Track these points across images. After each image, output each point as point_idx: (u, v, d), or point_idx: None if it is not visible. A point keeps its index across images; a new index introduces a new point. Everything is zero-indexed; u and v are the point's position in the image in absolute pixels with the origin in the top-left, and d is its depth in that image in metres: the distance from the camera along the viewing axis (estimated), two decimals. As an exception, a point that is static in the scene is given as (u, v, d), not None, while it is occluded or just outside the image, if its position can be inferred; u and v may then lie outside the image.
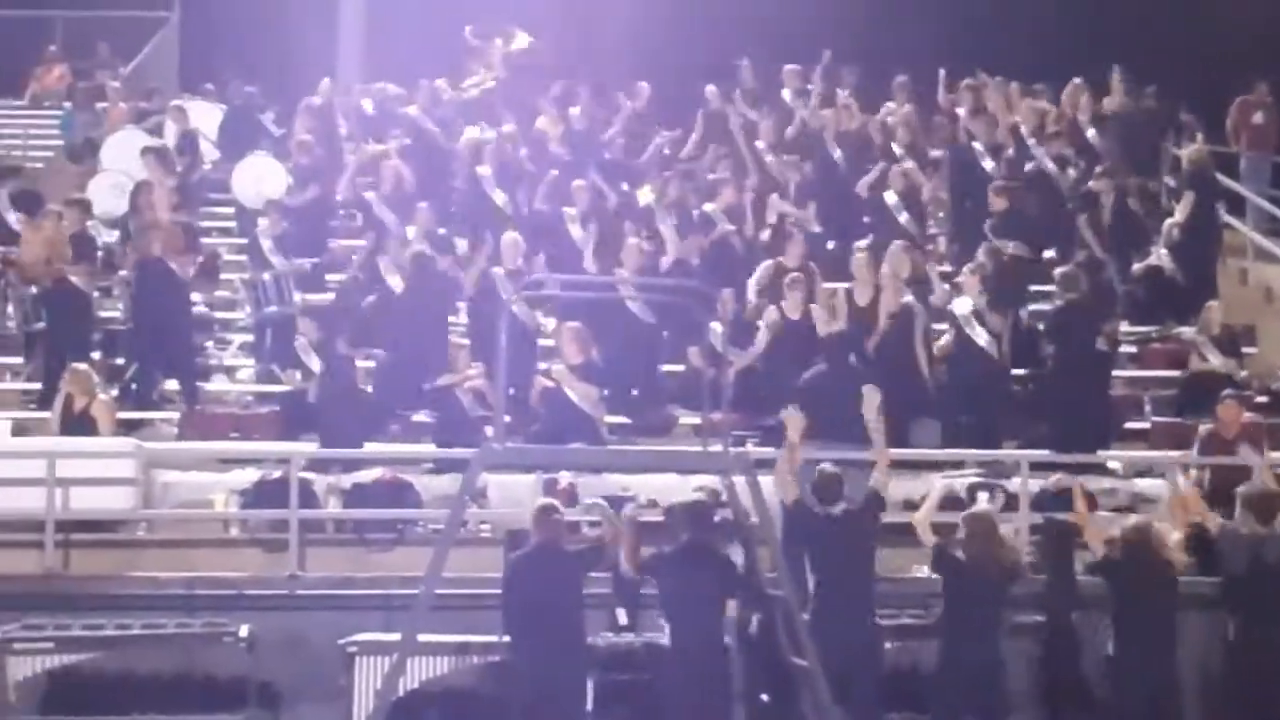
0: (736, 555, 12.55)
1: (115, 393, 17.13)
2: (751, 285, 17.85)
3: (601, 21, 25.66)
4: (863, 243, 18.17)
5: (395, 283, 17.67)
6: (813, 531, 12.83)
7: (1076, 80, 21.71)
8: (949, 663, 12.47)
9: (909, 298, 16.98)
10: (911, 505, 15.39)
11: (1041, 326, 17.36)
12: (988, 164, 20.19)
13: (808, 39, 23.48)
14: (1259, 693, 12.74)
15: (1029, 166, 20.31)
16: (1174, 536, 13.01)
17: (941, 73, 22.29)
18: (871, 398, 13.85)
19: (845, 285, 17.71)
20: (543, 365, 16.82)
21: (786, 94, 22.13)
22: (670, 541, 12.57)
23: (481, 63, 22.72)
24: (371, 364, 17.42)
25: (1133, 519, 13.26)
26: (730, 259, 18.61)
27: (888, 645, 13.14)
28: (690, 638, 12.10)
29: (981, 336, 16.75)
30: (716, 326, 15.73)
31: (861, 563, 12.82)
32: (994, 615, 12.50)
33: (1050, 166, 20.33)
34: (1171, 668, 12.53)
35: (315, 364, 16.76)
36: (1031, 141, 20.84)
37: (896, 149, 20.47)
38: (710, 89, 21.98)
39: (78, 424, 15.45)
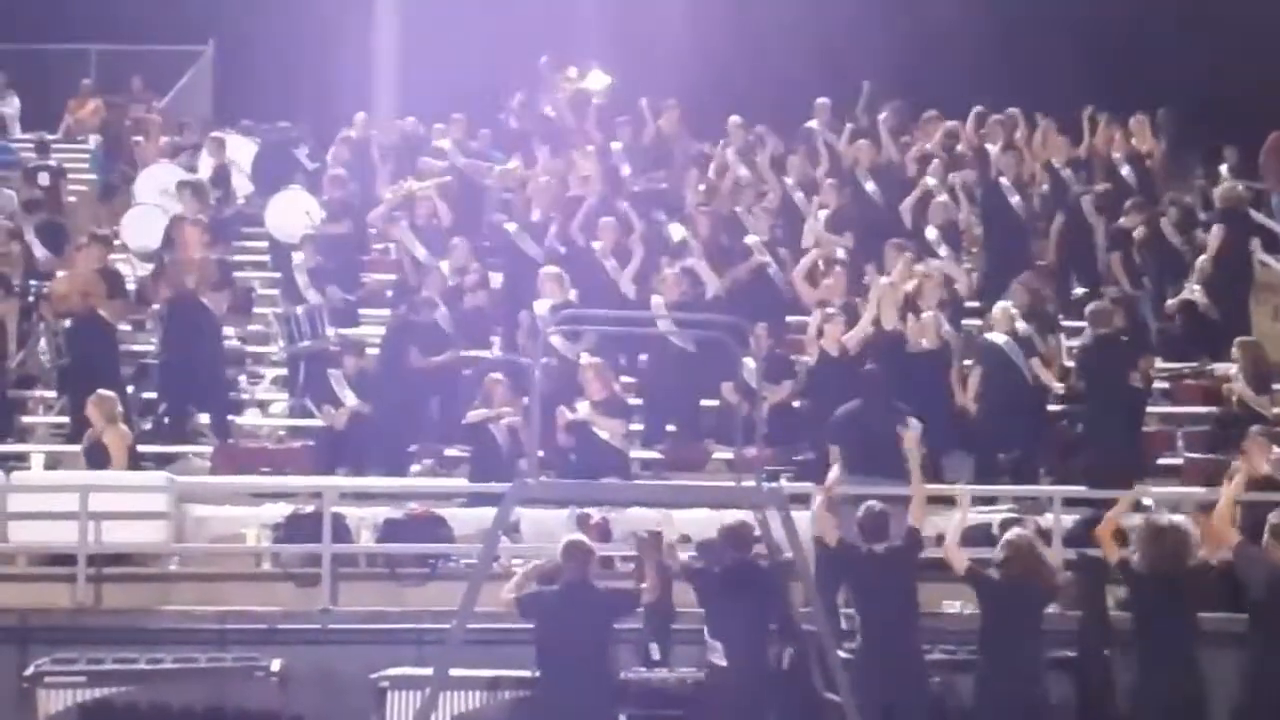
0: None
1: (148, 426, 17.20)
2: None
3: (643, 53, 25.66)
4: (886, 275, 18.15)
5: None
6: (857, 570, 12.78)
7: (1090, 114, 21.81)
8: (987, 690, 12.38)
9: (946, 328, 16.95)
10: (944, 540, 15.41)
11: (1081, 360, 17.26)
12: (1014, 199, 20.19)
13: (839, 71, 23.58)
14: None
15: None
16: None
17: (975, 110, 22.26)
18: (911, 433, 13.82)
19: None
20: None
21: (815, 124, 22.13)
22: (714, 562, 12.54)
23: (548, 94, 22.70)
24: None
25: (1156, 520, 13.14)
26: (766, 292, 18.59)
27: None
28: (736, 657, 12.07)
29: (1019, 370, 16.73)
30: (750, 361, 15.73)
31: (907, 600, 12.78)
32: (1033, 636, 12.42)
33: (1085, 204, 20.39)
34: (1199, 694, 12.38)
35: (350, 398, 16.82)
36: (1067, 172, 20.85)
37: (930, 180, 20.41)
38: (733, 120, 22.00)
39: (94, 453, 15.40)
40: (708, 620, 12.40)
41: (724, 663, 12.09)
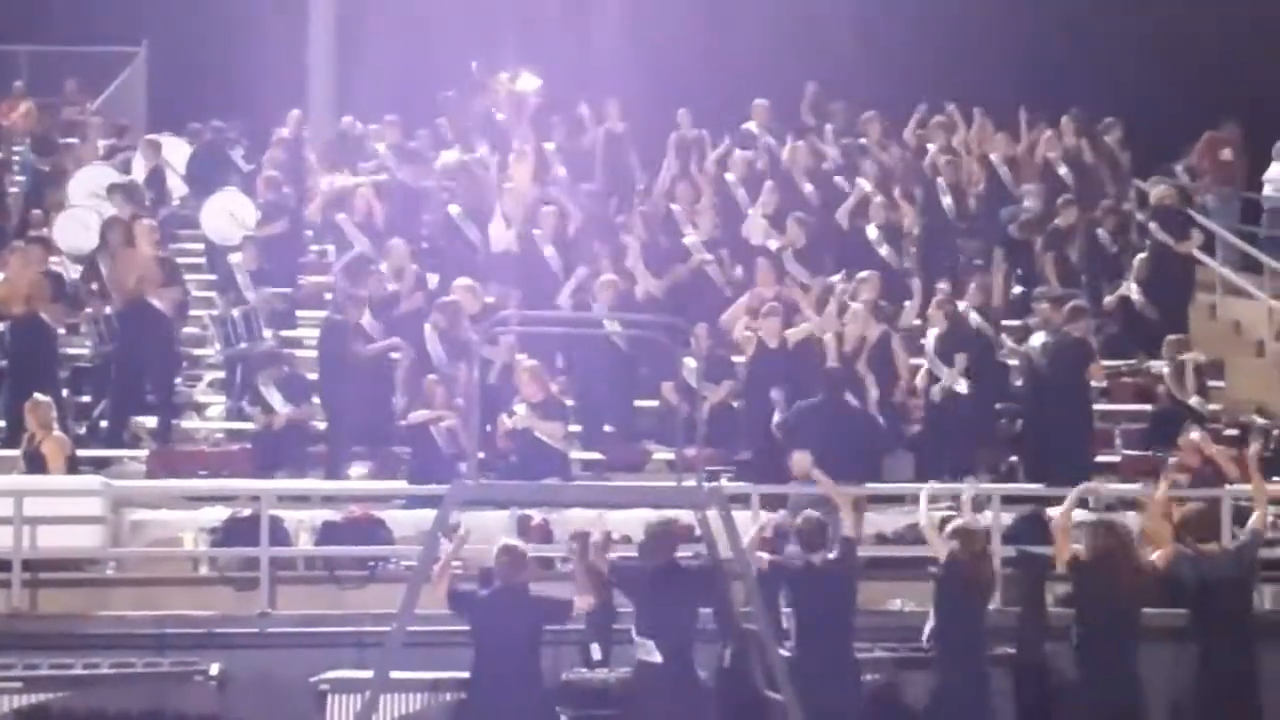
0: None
1: (82, 430, 17.06)
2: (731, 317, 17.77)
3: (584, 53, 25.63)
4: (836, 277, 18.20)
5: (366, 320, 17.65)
6: (794, 582, 12.79)
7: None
8: (941, 684, 12.43)
9: (884, 328, 17.02)
10: (885, 539, 15.47)
11: (1038, 359, 17.28)
12: (946, 200, 20.26)
13: (782, 71, 23.60)
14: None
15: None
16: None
17: (921, 108, 22.33)
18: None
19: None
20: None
21: (753, 126, 22.15)
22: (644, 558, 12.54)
23: (485, 98, 22.65)
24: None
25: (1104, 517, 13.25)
26: (706, 292, 18.60)
27: (865, 678, 13.09)
28: (666, 655, 12.07)
29: (948, 370, 16.81)
30: (690, 361, 15.73)
31: (844, 609, 12.79)
32: (979, 636, 12.51)
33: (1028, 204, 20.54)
34: (1135, 684, 12.47)
35: (279, 401, 16.76)
36: (1004, 170, 20.98)
37: (866, 184, 20.46)
38: (682, 113, 22.00)
39: (32, 459, 15.29)
40: (636, 618, 12.38)
41: (653, 659, 12.04)
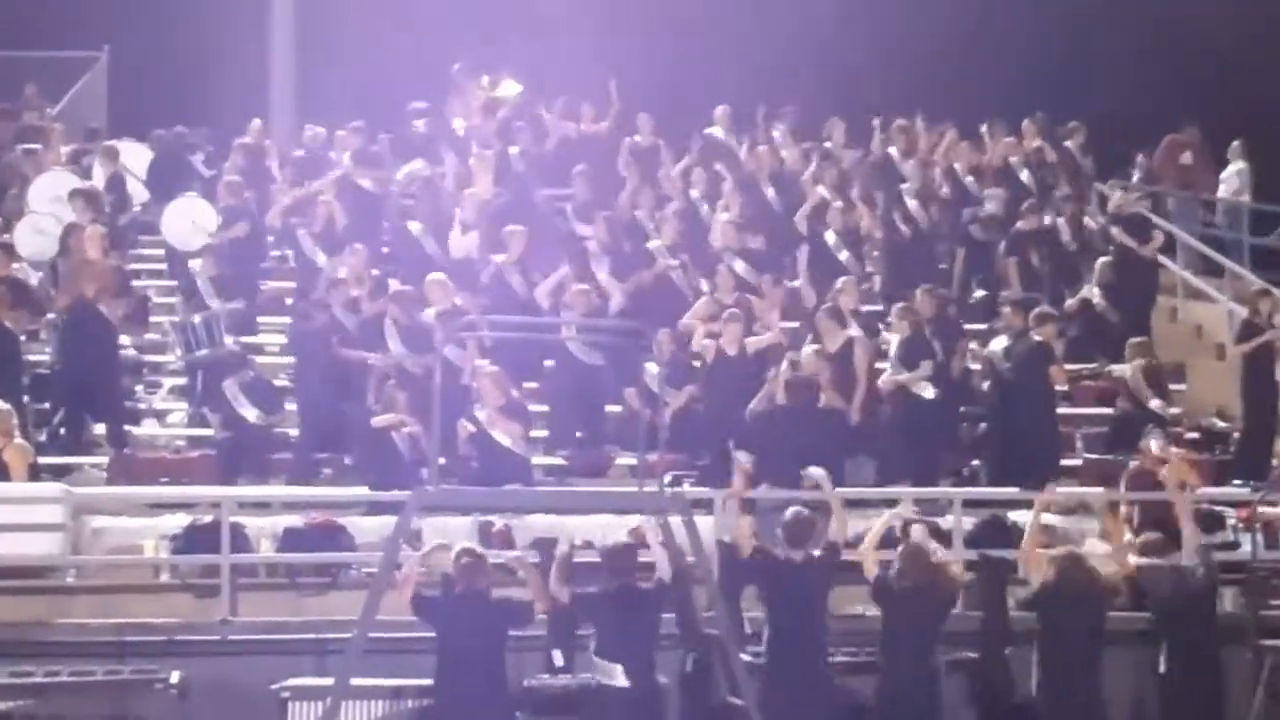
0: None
1: (43, 438, 16.98)
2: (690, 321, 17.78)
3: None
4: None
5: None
6: (773, 576, 12.77)
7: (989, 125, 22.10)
8: (887, 691, 12.49)
9: (854, 332, 17.03)
10: (847, 544, 15.48)
11: (1000, 363, 17.31)
12: (911, 203, 20.30)
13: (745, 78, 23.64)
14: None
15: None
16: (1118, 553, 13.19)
17: (878, 119, 22.38)
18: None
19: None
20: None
21: (718, 131, 22.17)
22: (602, 583, 12.52)
23: (462, 102, 22.61)
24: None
25: (1066, 548, 13.35)
26: (669, 298, 18.61)
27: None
28: (629, 679, 12.05)
29: (911, 375, 16.84)
30: (652, 367, 15.73)
31: (819, 609, 12.81)
32: (929, 644, 12.55)
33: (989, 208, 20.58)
34: (1097, 699, 12.56)
35: (247, 407, 16.72)
36: (969, 179, 21.05)
37: (824, 191, 20.49)
38: (642, 118, 22.00)
39: (-7, 467, 15.24)
40: (597, 641, 12.37)
41: (616, 683, 12.05)
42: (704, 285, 18.70)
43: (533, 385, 17.83)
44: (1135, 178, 23.28)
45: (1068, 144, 22.14)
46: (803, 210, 20.05)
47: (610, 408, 17.59)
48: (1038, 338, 16.87)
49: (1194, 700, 12.90)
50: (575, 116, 22.10)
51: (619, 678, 12.01)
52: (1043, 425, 16.83)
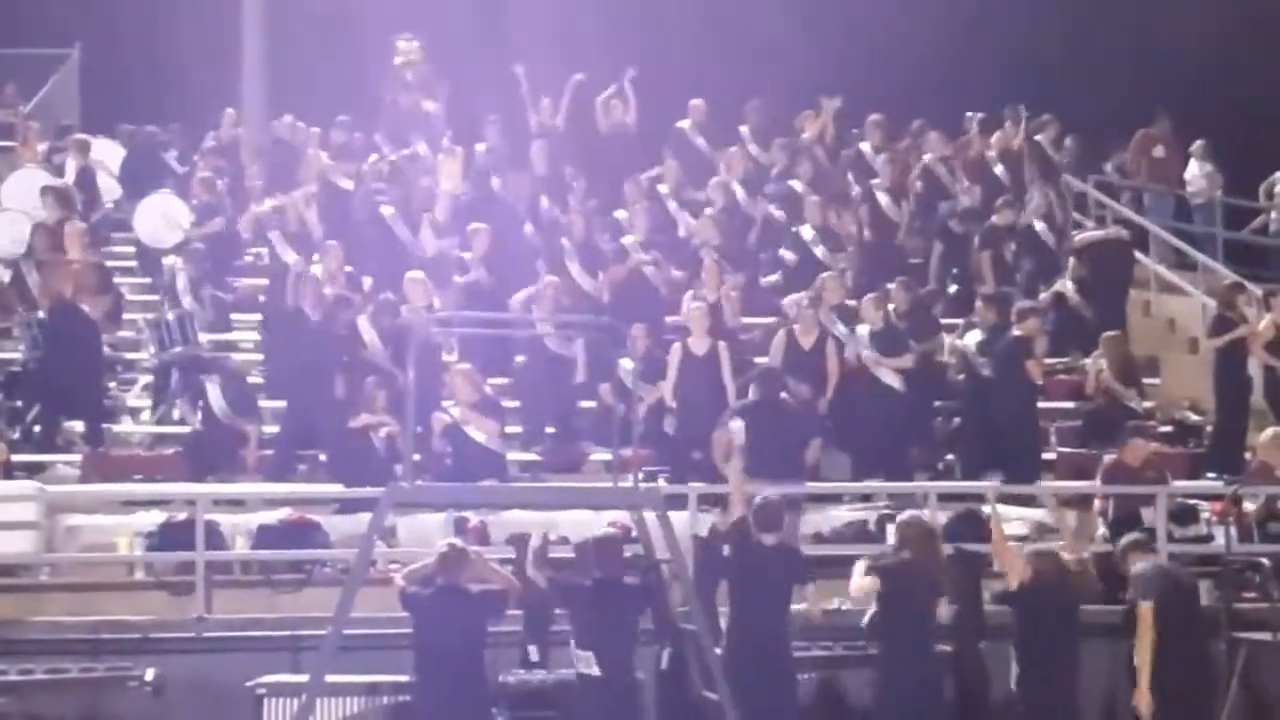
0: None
1: (15, 435, 16.93)
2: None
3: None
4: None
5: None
6: (743, 556, 12.77)
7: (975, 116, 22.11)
8: (888, 681, 12.44)
9: (835, 327, 17.06)
10: (821, 538, 15.53)
11: (974, 357, 17.36)
12: (883, 199, 20.32)
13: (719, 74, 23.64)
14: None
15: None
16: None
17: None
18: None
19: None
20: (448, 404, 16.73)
21: (686, 125, 22.18)
22: (583, 575, 12.52)
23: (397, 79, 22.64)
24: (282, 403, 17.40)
25: (1039, 545, 13.37)
26: (644, 293, 18.61)
27: (803, 676, 13.11)
28: (607, 668, 12.06)
29: (883, 367, 16.87)
30: (627, 363, 15.73)
31: (783, 597, 12.80)
32: (928, 629, 12.56)
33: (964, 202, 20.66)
34: (1074, 696, 12.59)
35: (218, 402, 16.70)
36: (942, 169, 21.08)
37: (798, 185, 20.52)
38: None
39: (-34, 466, 15.22)
40: (575, 633, 12.37)
41: (593, 672, 12.05)
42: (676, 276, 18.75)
43: (502, 381, 17.82)
44: (1109, 171, 23.31)
45: (1039, 138, 22.18)
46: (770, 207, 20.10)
47: (584, 403, 17.58)
48: (1018, 332, 16.87)
49: (1184, 699, 12.86)
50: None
51: (593, 667, 12.01)
52: (1022, 421, 16.85)
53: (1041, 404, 18.45)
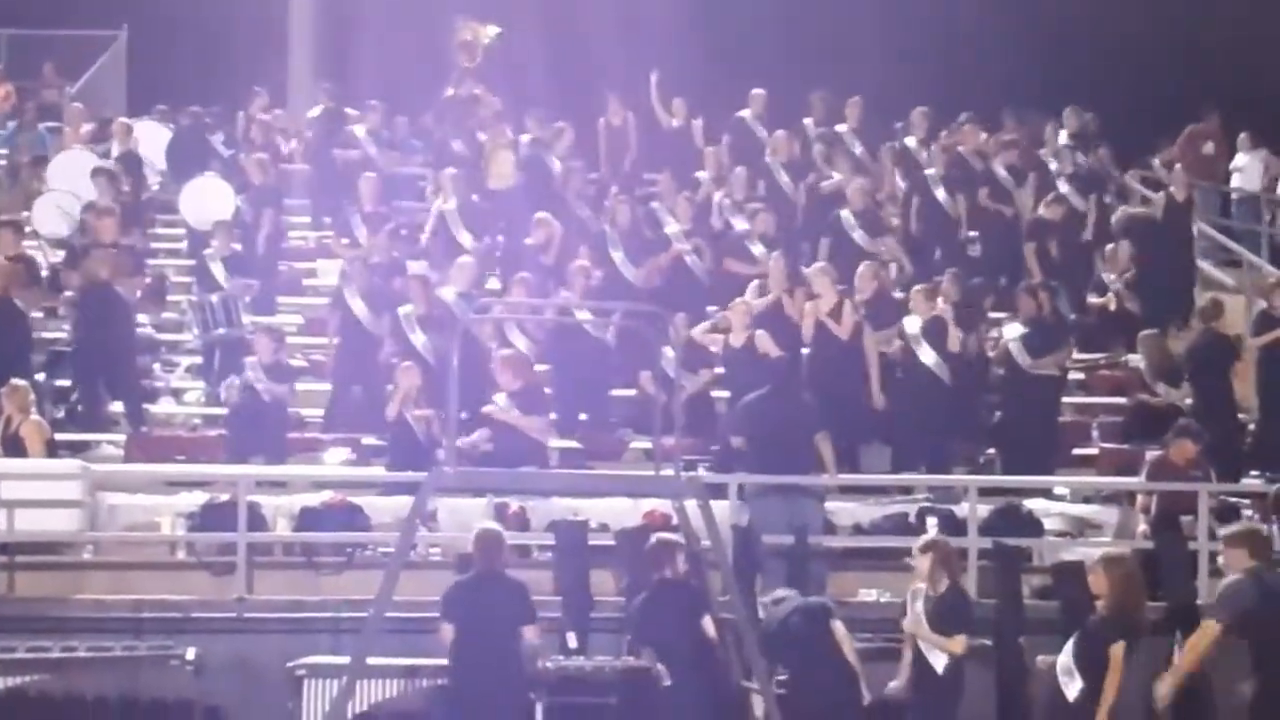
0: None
1: (61, 414, 17.02)
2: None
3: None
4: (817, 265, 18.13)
5: (357, 306, 17.60)
6: None
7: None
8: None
9: (858, 319, 17.02)
10: (860, 530, 15.50)
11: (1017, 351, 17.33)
12: (939, 193, 20.28)
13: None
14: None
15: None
16: None
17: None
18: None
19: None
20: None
21: (746, 114, 22.17)
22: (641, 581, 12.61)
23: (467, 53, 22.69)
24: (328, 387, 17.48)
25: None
26: (685, 282, 18.60)
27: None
28: (669, 664, 12.23)
29: (930, 358, 16.82)
30: (669, 351, 15.73)
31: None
32: None
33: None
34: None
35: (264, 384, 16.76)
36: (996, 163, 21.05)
37: (837, 174, 20.51)
38: (677, 103, 22.02)
39: (10, 443, 15.24)
40: (637, 632, 12.53)
41: (654, 665, 12.18)
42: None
43: (543, 367, 17.84)
44: (1155, 166, 23.21)
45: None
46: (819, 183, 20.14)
47: (624, 391, 17.59)
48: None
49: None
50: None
51: (650, 659, 12.19)
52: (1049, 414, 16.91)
53: (1084, 399, 18.46)
